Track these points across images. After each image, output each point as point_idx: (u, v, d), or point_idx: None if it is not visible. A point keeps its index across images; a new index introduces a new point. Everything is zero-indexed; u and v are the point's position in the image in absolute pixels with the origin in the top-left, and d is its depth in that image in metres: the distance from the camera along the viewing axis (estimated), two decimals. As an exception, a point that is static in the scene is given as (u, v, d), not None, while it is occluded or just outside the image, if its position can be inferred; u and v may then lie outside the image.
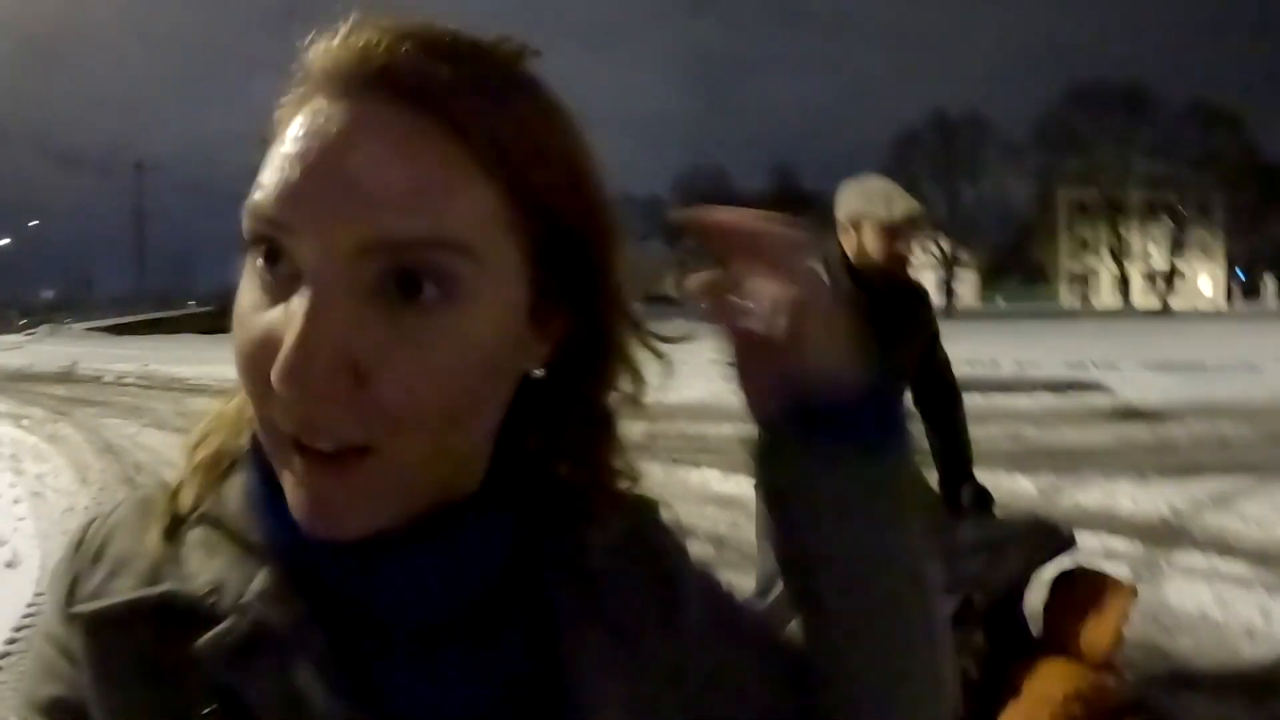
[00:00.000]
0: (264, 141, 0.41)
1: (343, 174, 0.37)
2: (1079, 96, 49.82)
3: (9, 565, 4.50)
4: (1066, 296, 55.99)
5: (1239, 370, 11.90)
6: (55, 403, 12.35)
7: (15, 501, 6.08)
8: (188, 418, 10.30)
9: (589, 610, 0.46)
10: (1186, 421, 8.36)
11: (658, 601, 0.50)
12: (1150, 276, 51.30)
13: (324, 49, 0.40)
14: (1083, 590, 1.55)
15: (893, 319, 2.18)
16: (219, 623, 0.40)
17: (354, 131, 0.37)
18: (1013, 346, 16.40)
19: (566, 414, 0.48)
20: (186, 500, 0.45)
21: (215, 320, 46.27)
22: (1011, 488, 5.49)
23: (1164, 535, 4.75)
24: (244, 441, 0.46)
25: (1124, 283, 50.12)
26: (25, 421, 10.32)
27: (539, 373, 0.46)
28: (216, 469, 0.46)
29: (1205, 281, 53.73)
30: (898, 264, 2.18)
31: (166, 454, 7.93)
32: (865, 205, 2.16)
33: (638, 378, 0.48)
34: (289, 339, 0.36)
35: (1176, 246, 48.70)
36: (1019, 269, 60.76)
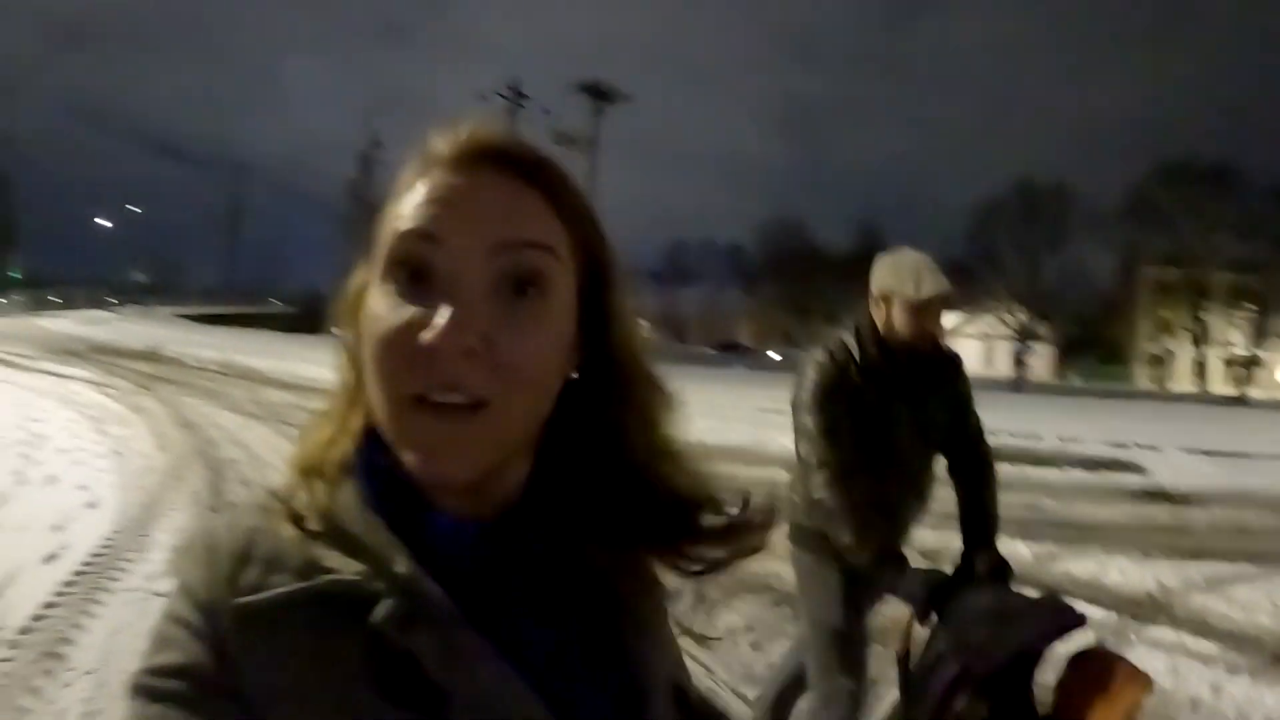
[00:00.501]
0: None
1: (475, 205, 0.53)
2: (1167, 173, 47.70)
3: (90, 505, 5.28)
4: (1142, 378, 54.09)
5: (1280, 461, 11.54)
6: (140, 377, 13.36)
7: (99, 456, 6.86)
8: (260, 405, 11.13)
9: (629, 586, 0.62)
10: (1210, 507, 8.30)
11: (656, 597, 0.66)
12: (1230, 362, 49.37)
13: (447, 137, 0.56)
14: (1095, 672, 1.47)
15: (923, 387, 2.27)
16: (374, 604, 0.49)
17: (477, 182, 0.54)
18: (1066, 422, 16.02)
19: (586, 425, 0.61)
20: (303, 506, 0.54)
21: (295, 321, 47.78)
22: (1009, 552, 5.40)
23: (1144, 609, 4.82)
24: (341, 456, 0.57)
25: (1201, 368, 48.37)
26: (111, 391, 11.28)
27: (574, 375, 0.59)
28: (322, 478, 0.56)
29: (1287, 373, 51.55)
30: (925, 340, 2.21)
31: (238, 434, 8.71)
32: (895, 282, 2.20)
33: (647, 399, 0.62)
34: (443, 315, 0.49)
35: (1258, 334, 46.76)
36: (1097, 346, 58.66)
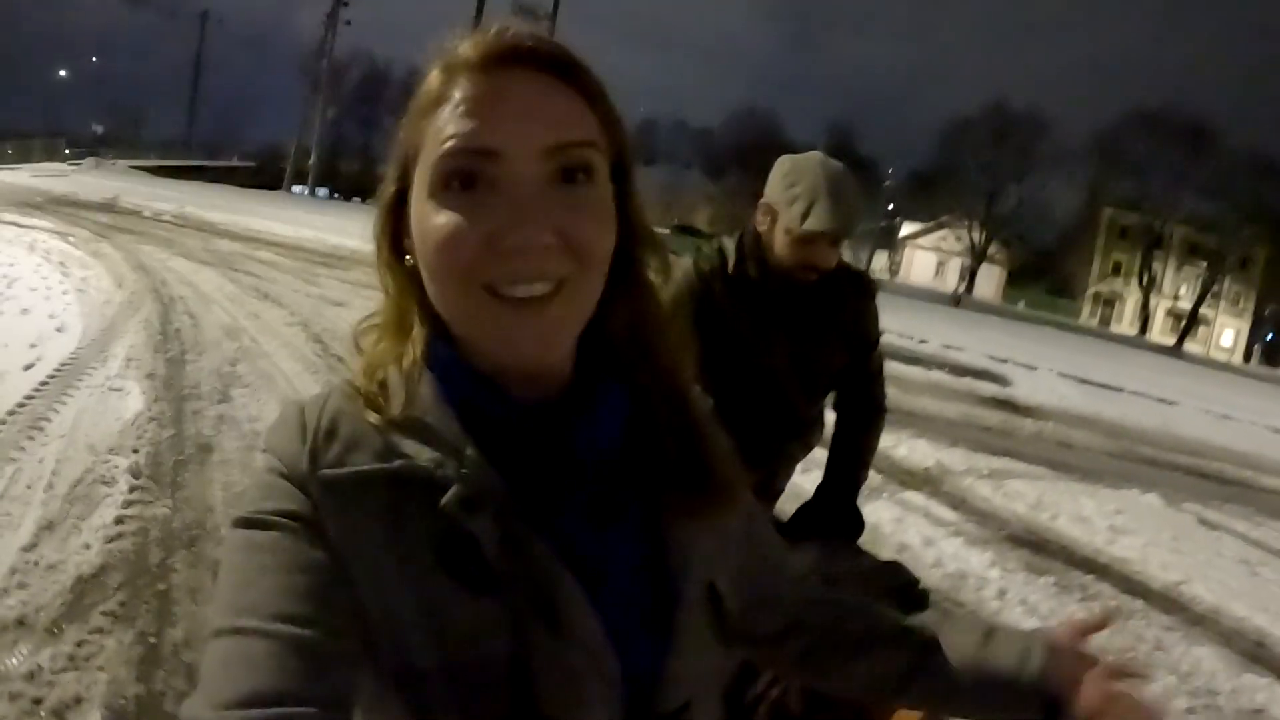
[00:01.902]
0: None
1: (521, 110, 0.55)
2: (1142, 119, 47.87)
3: (59, 329, 6.21)
4: (1088, 316, 55.11)
5: (1152, 400, 12.24)
6: (98, 227, 13.92)
7: (64, 293, 7.69)
8: (211, 253, 12.07)
9: (681, 499, 0.64)
10: (1047, 422, 8.66)
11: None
12: (1174, 314, 50.46)
13: (474, 41, 0.57)
14: None
15: (814, 315, 1.90)
16: (443, 489, 0.54)
17: (515, 85, 0.56)
18: (962, 334, 16.57)
19: (626, 292, 0.64)
20: (381, 402, 0.58)
21: (255, 175, 46.73)
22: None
23: (912, 479, 5.25)
24: (413, 355, 0.60)
25: (1146, 314, 49.28)
26: (71, 239, 11.88)
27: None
28: (396, 374, 0.60)
29: (1229, 334, 52.60)
30: (804, 274, 1.81)
31: (188, 277, 9.63)
32: (782, 199, 1.78)
33: (661, 263, 0.67)
34: (513, 217, 0.53)
35: (1207, 292, 47.53)
36: (1047, 277, 59.30)
